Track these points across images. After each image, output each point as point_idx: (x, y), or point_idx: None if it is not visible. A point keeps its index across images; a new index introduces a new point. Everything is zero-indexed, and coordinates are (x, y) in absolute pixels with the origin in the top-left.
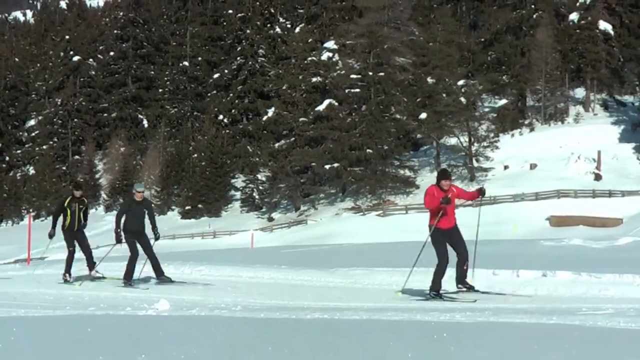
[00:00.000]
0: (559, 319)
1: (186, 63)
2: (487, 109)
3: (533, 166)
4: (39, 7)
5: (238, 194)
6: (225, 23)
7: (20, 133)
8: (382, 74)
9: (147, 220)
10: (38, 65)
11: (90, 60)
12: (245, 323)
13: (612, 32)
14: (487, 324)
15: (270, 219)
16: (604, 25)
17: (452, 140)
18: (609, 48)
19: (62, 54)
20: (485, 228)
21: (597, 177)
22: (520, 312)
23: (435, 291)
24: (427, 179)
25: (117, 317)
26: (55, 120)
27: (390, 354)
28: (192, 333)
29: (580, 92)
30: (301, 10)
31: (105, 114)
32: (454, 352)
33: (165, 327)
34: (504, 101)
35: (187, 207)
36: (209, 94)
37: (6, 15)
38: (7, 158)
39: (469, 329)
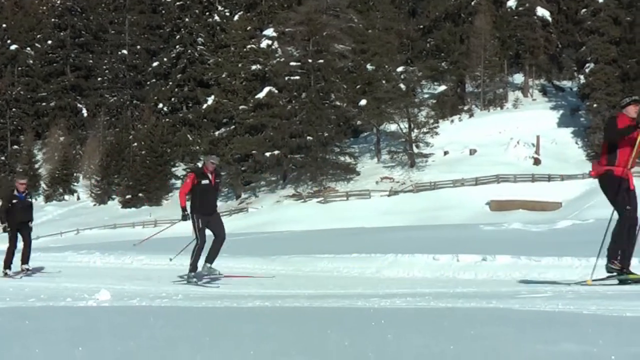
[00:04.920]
0: (498, 303)
1: (125, 51)
2: (426, 95)
3: (473, 151)
4: None
5: (179, 183)
6: (163, 11)
7: None
8: (321, 61)
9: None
10: None
11: (28, 49)
12: (185, 312)
13: (549, 19)
14: (426, 309)
15: None
16: (541, 11)
17: (392, 127)
18: (547, 34)
19: None
20: (426, 213)
21: (537, 162)
22: (461, 296)
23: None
24: (367, 165)
25: (56, 309)
26: None
27: (327, 342)
28: (130, 324)
29: (518, 78)
30: None
31: (44, 103)
32: (390, 340)
33: (104, 318)
34: (443, 87)
35: (127, 196)
36: (148, 83)
37: None
38: None
39: (407, 314)
